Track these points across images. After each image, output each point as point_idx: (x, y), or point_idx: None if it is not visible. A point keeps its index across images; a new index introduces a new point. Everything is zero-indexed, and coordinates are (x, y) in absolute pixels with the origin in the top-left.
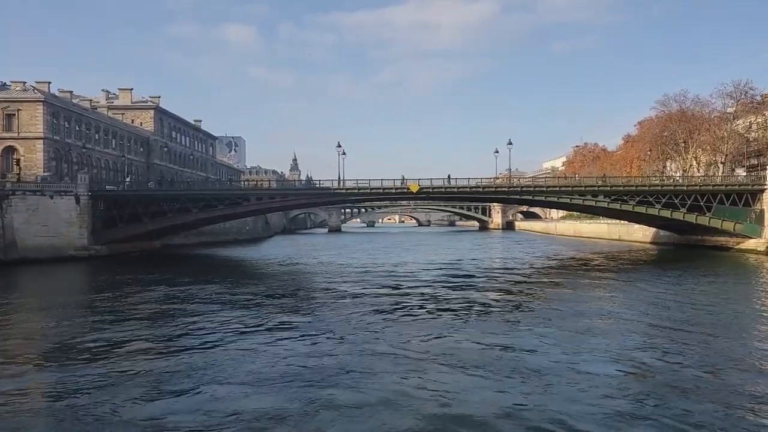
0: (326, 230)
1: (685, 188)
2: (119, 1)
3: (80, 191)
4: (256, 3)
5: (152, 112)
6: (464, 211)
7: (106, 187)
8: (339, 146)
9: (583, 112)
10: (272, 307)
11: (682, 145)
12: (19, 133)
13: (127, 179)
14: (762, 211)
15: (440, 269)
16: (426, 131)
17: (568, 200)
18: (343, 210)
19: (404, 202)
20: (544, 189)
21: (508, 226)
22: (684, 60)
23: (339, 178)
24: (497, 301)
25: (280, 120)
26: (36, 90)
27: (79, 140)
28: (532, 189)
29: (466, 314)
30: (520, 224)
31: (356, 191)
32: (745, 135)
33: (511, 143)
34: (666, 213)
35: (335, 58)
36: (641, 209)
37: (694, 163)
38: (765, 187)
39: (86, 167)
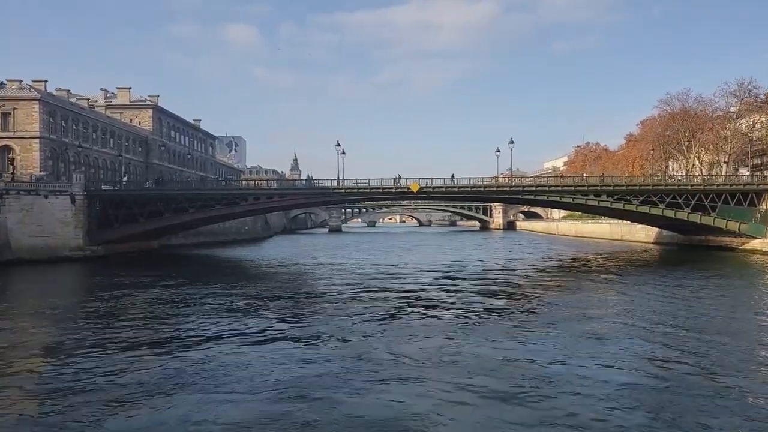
0: (326, 230)
1: (689, 188)
2: (119, 1)
3: (75, 191)
4: (257, 3)
5: (151, 111)
6: (465, 211)
7: (103, 186)
8: (338, 145)
9: (583, 112)
10: (268, 310)
11: (685, 144)
12: (15, 132)
13: (124, 178)
14: (767, 211)
15: (441, 270)
16: (426, 131)
17: (570, 200)
18: (343, 210)
19: (405, 202)
20: (547, 188)
21: (509, 226)
22: (684, 60)
23: (338, 177)
24: (500, 304)
25: (281, 120)
26: (32, 88)
27: (76, 139)
28: (534, 188)
29: (469, 318)
30: (522, 224)
31: (355, 191)
32: (749, 134)
33: (512, 142)
34: (670, 213)
35: (336, 58)
36: (645, 209)
37: (697, 162)
38: None
39: (83, 167)
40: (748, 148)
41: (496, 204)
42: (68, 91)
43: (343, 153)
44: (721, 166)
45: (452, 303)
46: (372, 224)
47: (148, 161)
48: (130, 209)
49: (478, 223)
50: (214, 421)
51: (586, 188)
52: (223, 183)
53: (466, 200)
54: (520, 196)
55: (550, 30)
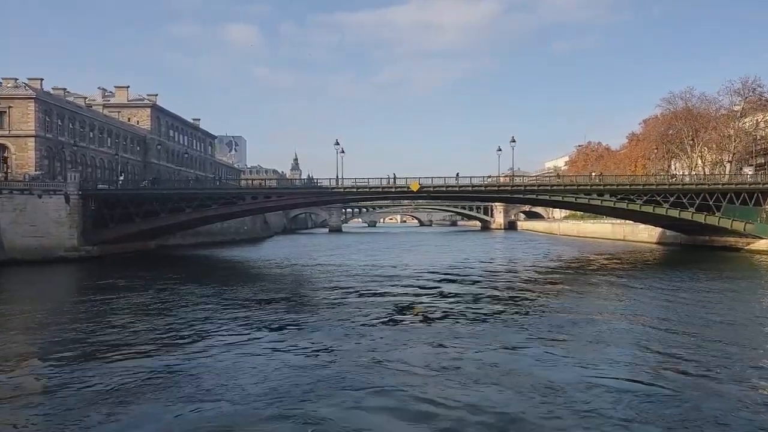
0: (327, 230)
1: (693, 187)
2: (119, 1)
3: (70, 190)
4: (258, 3)
5: (149, 110)
6: (466, 211)
7: (99, 186)
8: (337, 144)
9: (584, 112)
10: (263, 314)
11: (688, 143)
12: (10, 131)
13: (120, 178)
14: None
15: (442, 271)
16: (426, 131)
17: (573, 199)
18: (344, 210)
19: (406, 202)
20: (549, 188)
21: (511, 226)
22: (684, 60)
23: (337, 176)
24: (503, 307)
25: (281, 120)
26: (28, 87)
27: (72, 138)
28: (536, 188)
29: (471, 322)
30: (523, 224)
31: (354, 190)
32: (753, 133)
33: (514, 141)
34: (674, 213)
35: (336, 58)
36: (648, 209)
37: (700, 162)
38: None
39: (80, 166)
40: (752, 147)
41: (497, 204)
42: (65, 89)
43: (342, 152)
44: (724, 166)
45: (453, 306)
46: (372, 224)
47: (147, 160)
48: (126, 209)
49: (479, 223)
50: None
51: (589, 188)
52: (218, 182)
53: (467, 200)
54: (522, 196)
55: (550, 30)
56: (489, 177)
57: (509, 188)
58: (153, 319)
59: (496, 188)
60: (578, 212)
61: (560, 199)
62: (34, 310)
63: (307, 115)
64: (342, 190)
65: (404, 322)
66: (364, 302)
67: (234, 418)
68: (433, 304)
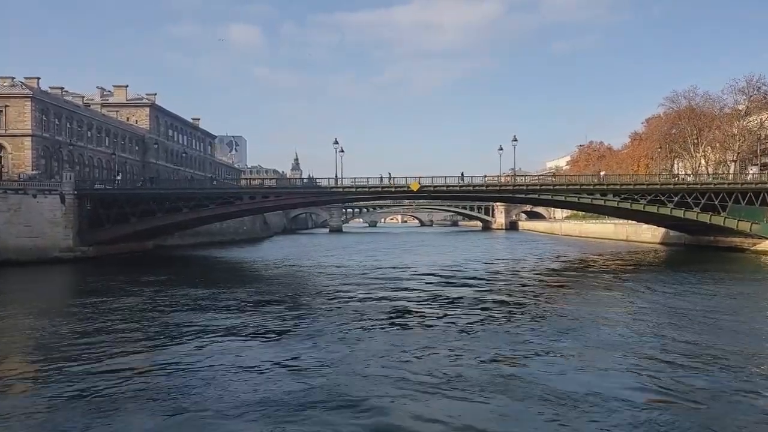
0: (327, 230)
1: (698, 187)
2: (119, 1)
3: (65, 190)
4: (257, 3)
5: (148, 109)
6: (467, 211)
7: (96, 185)
8: (336, 143)
9: (584, 112)
10: (259, 317)
11: (692, 142)
12: (6, 130)
13: (118, 177)
14: None
15: (443, 273)
16: (426, 131)
17: (576, 199)
18: (344, 210)
19: (406, 202)
20: (551, 187)
21: (512, 226)
22: (684, 60)
23: (336, 176)
24: (506, 309)
25: (281, 120)
26: (24, 86)
27: (70, 138)
28: (538, 187)
29: (473, 326)
30: (524, 224)
31: (354, 190)
32: (757, 132)
33: (516, 140)
34: (679, 213)
35: (337, 58)
36: (652, 208)
37: (703, 161)
38: None
39: (77, 165)
40: (756, 146)
41: (498, 204)
42: (62, 88)
43: (342, 151)
44: (728, 165)
45: (453, 310)
46: (373, 224)
47: (145, 160)
48: (122, 209)
49: (480, 223)
50: None
51: (591, 187)
52: (215, 182)
53: (468, 199)
54: (524, 196)
55: (550, 30)
56: (487, 176)
57: (511, 188)
58: (146, 323)
59: (497, 188)
60: (580, 212)
61: (563, 198)
62: (25, 312)
63: (308, 115)
64: (341, 189)
65: (405, 326)
66: (364, 305)
67: (223, 427)
68: (433, 308)
